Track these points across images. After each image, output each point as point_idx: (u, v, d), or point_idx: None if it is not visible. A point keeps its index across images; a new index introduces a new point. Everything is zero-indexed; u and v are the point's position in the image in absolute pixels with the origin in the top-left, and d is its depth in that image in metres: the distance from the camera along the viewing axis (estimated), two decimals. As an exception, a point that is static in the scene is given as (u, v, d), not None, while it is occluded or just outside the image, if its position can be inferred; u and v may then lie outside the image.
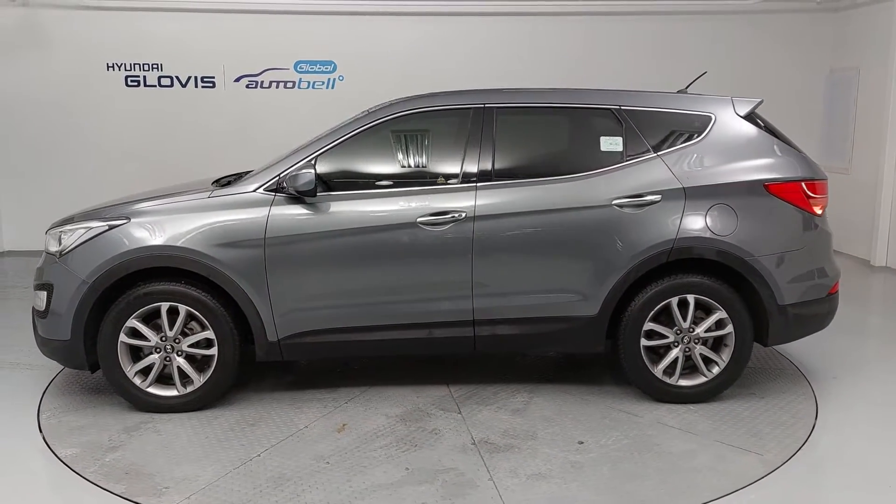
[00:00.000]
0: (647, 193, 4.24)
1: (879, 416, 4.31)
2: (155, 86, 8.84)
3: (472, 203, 4.21)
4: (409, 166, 4.60)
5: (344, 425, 4.10)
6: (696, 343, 4.29)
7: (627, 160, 4.32)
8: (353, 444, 3.88)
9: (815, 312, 4.43)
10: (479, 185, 4.26)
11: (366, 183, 4.47)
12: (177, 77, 8.83)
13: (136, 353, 4.24)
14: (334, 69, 8.87)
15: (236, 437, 3.97)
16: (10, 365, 5.12)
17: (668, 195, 4.24)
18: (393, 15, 8.77)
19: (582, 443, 3.90)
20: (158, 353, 4.19)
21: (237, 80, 8.84)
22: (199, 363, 4.27)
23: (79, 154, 8.90)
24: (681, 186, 4.25)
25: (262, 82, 8.86)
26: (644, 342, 4.29)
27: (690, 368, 4.38)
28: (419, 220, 4.18)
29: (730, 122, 4.43)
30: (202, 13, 8.67)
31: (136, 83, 8.83)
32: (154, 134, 8.89)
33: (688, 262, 4.29)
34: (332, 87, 8.88)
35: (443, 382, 4.71)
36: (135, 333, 4.16)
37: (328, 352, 4.40)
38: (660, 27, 8.96)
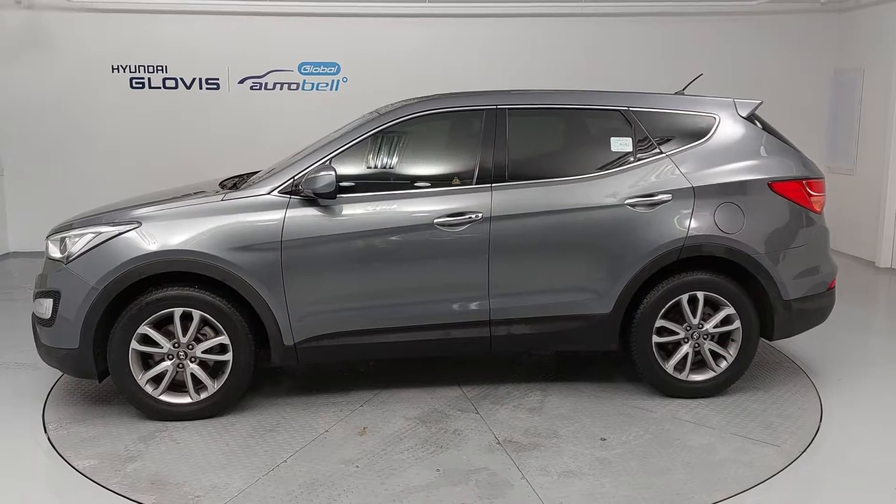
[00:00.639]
0: (658, 193, 4.32)
1: (883, 405, 4.48)
2: (160, 87, 8.72)
3: (489, 203, 4.23)
4: (424, 167, 4.59)
5: (364, 428, 4.07)
6: (704, 339, 4.40)
7: (638, 161, 4.40)
8: (378, 447, 3.86)
9: (817, 306, 4.58)
10: (494, 185, 4.28)
11: (381, 184, 4.43)
12: (181, 79, 8.70)
13: (146, 361, 4.14)
14: (338, 71, 8.80)
15: (257, 443, 3.91)
16: (16, 366, 5.03)
17: (678, 194, 4.33)
18: (397, 17, 8.73)
19: (604, 439, 3.95)
20: (171, 359, 4.09)
21: (241, 81, 8.75)
22: (212, 369, 4.18)
23: (84, 156, 8.75)
24: (690, 186, 4.34)
25: (266, 84, 8.76)
26: (655, 339, 4.37)
27: (697, 364, 4.48)
28: (436, 221, 4.18)
29: (733, 122, 4.55)
30: (207, 15, 8.57)
31: (140, 85, 8.69)
32: (159, 135, 8.76)
33: (695, 260, 4.39)
34: (336, 89, 8.81)
35: (454, 383, 4.71)
36: (146, 340, 4.06)
37: (344, 355, 4.36)
38: (666, 28, 8.93)
